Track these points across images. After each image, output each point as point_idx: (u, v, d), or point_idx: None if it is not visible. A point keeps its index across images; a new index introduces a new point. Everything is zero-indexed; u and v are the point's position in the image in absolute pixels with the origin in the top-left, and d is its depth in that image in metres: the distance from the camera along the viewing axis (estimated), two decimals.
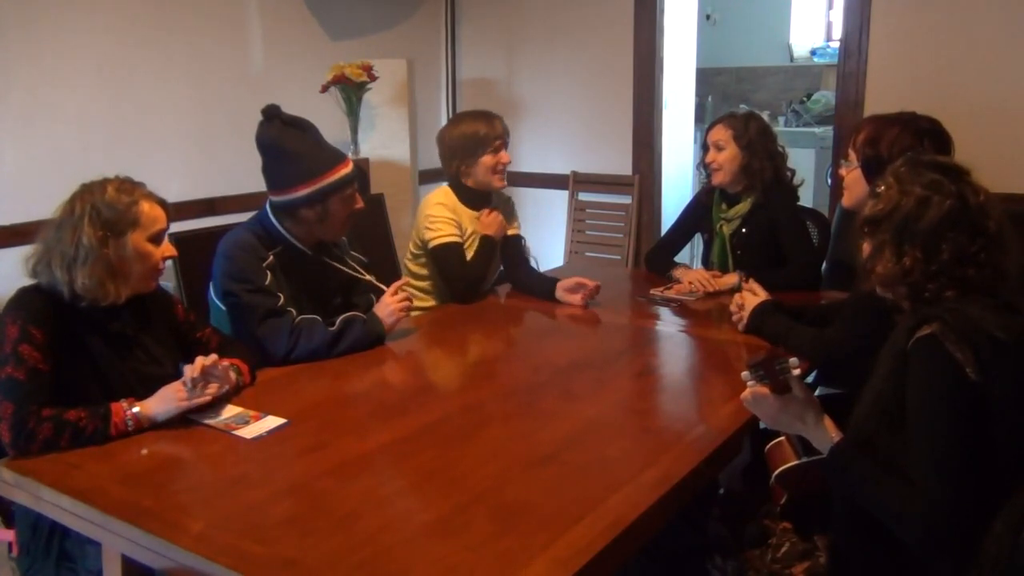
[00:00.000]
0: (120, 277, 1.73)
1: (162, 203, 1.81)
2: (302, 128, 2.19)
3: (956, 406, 1.28)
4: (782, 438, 1.55)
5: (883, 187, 1.45)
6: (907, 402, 1.33)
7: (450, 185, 2.78)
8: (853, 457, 1.38)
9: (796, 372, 1.44)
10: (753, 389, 1.47)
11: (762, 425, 1.55)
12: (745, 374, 1.47)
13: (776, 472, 1.55)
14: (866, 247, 1.48)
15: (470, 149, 2.68)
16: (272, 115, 2.17)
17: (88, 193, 1.73)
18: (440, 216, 2.69)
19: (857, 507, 1.39)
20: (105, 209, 1.71)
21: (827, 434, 1.43)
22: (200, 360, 1.71)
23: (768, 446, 1.58)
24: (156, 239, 1.78)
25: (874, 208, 1.45)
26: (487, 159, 2.69)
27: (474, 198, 2.77)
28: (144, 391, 1.71)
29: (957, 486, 1.25)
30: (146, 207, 1.76)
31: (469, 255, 2.71)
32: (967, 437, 1.27)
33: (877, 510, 1.34)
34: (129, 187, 1.77)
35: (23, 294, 1.70)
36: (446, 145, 2.73)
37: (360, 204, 2.26)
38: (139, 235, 1.74)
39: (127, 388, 1.73)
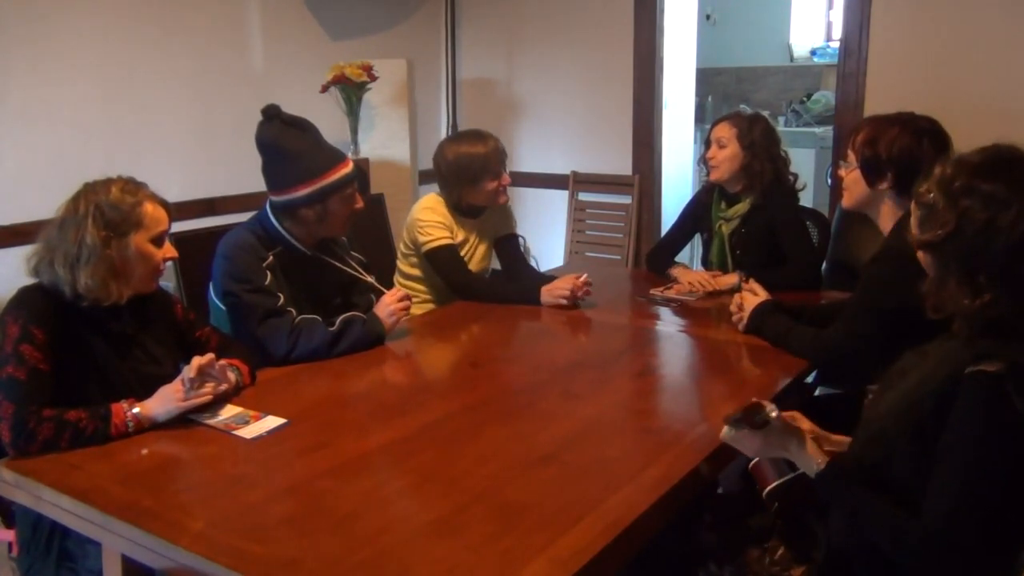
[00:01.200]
0: (122, 278, 1.73)
1: (164, 204, 1.81)
2: (302, 128, 2.19)
3: (1000, 456, 1.20)
4: (758, 459, 1.52)
5: (931, 196, 1.30)
6: (947, 429, 1.24)
7: (444, 198, 2.78)
8: (840, 482, 1.36)
9: (774, 415, 1.41)
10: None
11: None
12: (726, 430, 1.43)
13: (764, 492, 1.55)
14: (928, 268, 1.35)
15: (470, 177, 2.68)
16: (272, 115, 2.17)
17: (92, 192, 1.73)
18: (430, 220, 2.70)
19: None
20: (109, 209, 1.71)
21: (811, 459, 1.40)
22: (196, 360, 1.71)
23: (750, 465, 1.56)
24: (158, 240, 1.78)
25: (929, 230, 1.31)
26: (489, 184, 2.70)
27: (465, 209, 2.78)
28: (144, 391, 1.71)
29: (965, 537, 1.21)
30: (149, 208, 1.76)
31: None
32: (997, 489, 1.21)
33: (866, 532, 1.33)
34: (133, 188, 1.77)
35: (24, 293, 1.70)
36: (443, 173, 2.72)
37: (360, 204, 2.26)
38: (142, 236, 1.74)
39: (127, 388, 1.73)
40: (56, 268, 1.68)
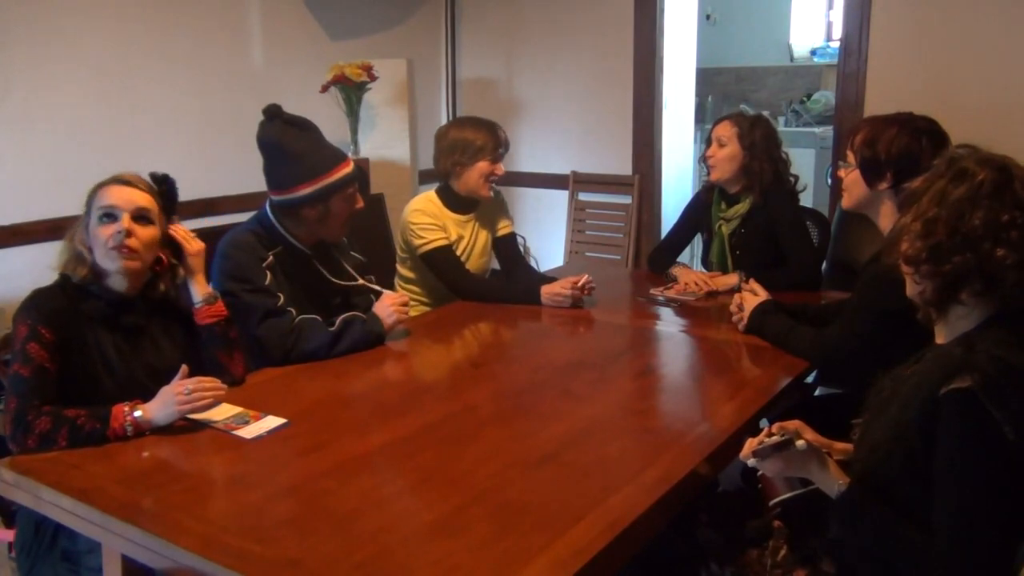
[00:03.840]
0: (86, 261, 1.75)
1: (128, 182, 1.80)
2: (303, 128, 2.19)
3: (989, 470, 1.20)
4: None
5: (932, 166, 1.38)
6: (935, 453, 1.25)
7: (437, 190, 2.78)
8: (863, 504, 1.35)
9: (800, 443, 1.40)
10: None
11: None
12: (752, 461, 1.43)
13: (770, 503, 1.54)
14: (901, 221, 1.39)
15: (471, 151, 2.68)
16: (273, 115, 2.17)
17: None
18: (421, 223, 2.69)
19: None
20: (89, 196, 1.77)
21: (834, 480, 1.40)
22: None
23: (759, 472, 1.56)
24: (106, 216, 1.74)
25: (915, 184, 1.37)
26: (484, 165, 2.69)
27: (461, 204, 2.77)
28: (152, 384, 1.71)
29: (977, 554, 1.21)
30: (103, 190, 1.78)
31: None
32: (996, 502, 1.21)
33: (888, 556, 1.32)
34: (117, 177, 1.80)
35: (36, 295, 1.73)
36: (447, 141, 2.72)
37: (360, 204, 2.27)
38: (94, 217, 1.76)
39: (135, 383, 1.73)
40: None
